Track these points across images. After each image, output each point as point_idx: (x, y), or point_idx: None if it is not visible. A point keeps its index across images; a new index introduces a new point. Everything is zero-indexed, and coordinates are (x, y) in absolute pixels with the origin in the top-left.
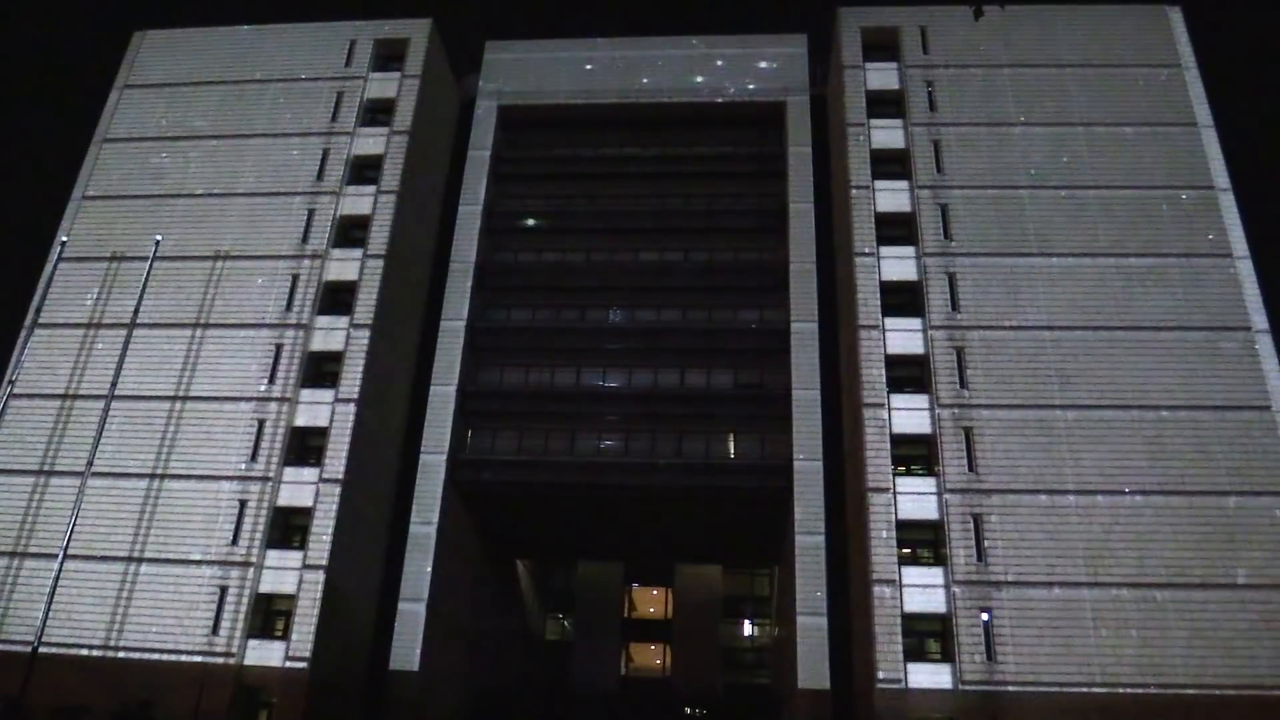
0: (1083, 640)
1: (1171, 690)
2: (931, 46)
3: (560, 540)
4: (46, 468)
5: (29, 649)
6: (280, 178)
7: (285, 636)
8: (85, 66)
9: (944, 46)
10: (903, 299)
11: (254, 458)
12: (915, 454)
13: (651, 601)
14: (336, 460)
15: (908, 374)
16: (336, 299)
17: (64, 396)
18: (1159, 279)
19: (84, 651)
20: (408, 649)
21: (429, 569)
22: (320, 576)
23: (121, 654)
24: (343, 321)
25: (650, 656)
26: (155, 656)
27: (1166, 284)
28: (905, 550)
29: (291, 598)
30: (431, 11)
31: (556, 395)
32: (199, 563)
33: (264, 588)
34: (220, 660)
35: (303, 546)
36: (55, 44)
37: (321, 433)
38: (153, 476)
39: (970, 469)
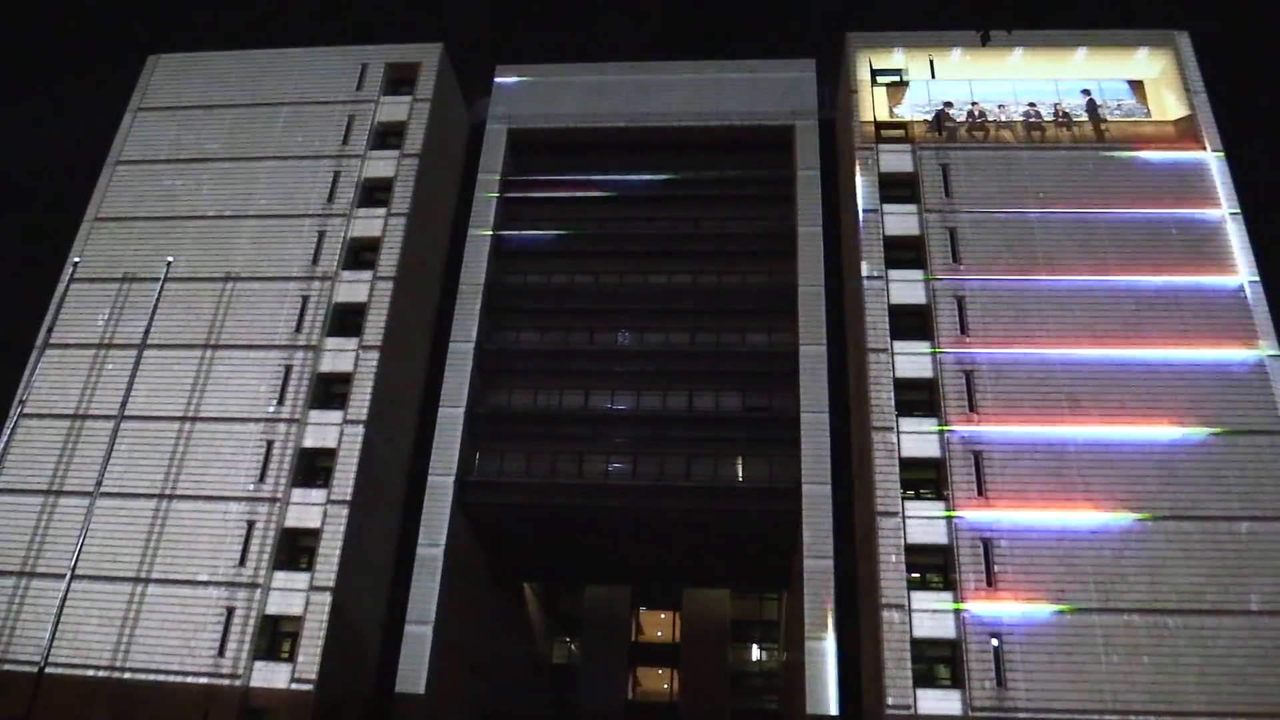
0: (1094, 667)
1: (1184, 717)
2: (939, 73)
3: (568, 563)
4: (55, 487)
5: (35, 669)
6: (291, 200)
7: (291, 658)
8: (99, 89)
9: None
10: (911, 322)
11: (262, 479)
12: (924, 478)
13: (659, 625)
14: (344, 482)
15: (916, 397)
16: (346, 320)
17: (74, 416)
18: (1169, 302)
19: (90, 672)
20: (414, 672)
21: (436, 591)
22: (327, 598)
23: (127, 675)
24: (352, 343)
25: (658, 681)
26: (161, 678)
27: (1176, 307)
28: (914, 575)
29: (298, 619)
30: (442, 36)
31: (565, 418)
32: (206, 584)
33: (271, 609)
34: (226, 682)
35: (310, 568)
36: (70, 66)
37: (330, 454)
38: (161, 497)
39: (980, 493)
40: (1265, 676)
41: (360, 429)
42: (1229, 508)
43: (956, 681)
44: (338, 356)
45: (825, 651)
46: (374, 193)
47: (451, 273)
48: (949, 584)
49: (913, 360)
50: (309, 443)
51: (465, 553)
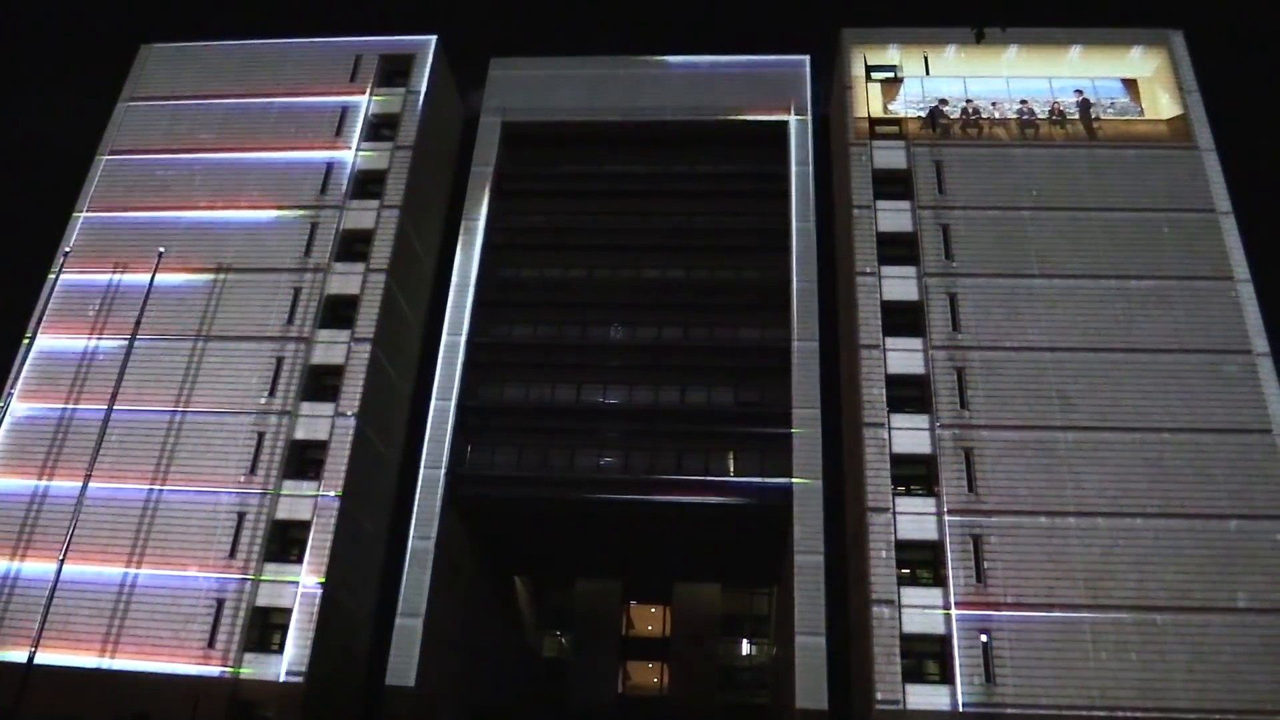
0: (1082, 663)
1: (1172, 714)
2: (934, 69)
3: (559, 557)
4: (45, 478)
5: (24, 661)
6: (284, 192)
7: (282, 651)
8: (91, 79)
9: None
10: (904, 319)
11: (253, 470)
12: (915, 474)
13: (649, 619)
14: (335, 474)
15: (908, 394)
16: (338, 313)
17: (64, 407)
18: (1160, 301)
19: (79, 663)
20: (404, 664)
21: (426, 584)
22: (318, 590)
23: (117, 666)
24: (344, 335)
25: (648, 675)
26: (151, 669)
27: (1168, 306)
28: (904, 570)
29: (288, 612)
30: (437, 28)
31: (557, 411)
32: (196, 575)
33: (261, 601)
34: (216, 674)
35: (300, 560)
36: (62, 56)
37: (321, 446)
38: (152, 488)
39: (970, 490)
40: (1253, 673)
41: (352, 421)
42: (1218, 506)
43: (946, 677)
44: (329, 349)
45: (815, 646)
46: (367, 185)
47: (444, 266)
48: (939, 580)
49: (905, 356)
50: (300, 435)
51: (456, 546)
